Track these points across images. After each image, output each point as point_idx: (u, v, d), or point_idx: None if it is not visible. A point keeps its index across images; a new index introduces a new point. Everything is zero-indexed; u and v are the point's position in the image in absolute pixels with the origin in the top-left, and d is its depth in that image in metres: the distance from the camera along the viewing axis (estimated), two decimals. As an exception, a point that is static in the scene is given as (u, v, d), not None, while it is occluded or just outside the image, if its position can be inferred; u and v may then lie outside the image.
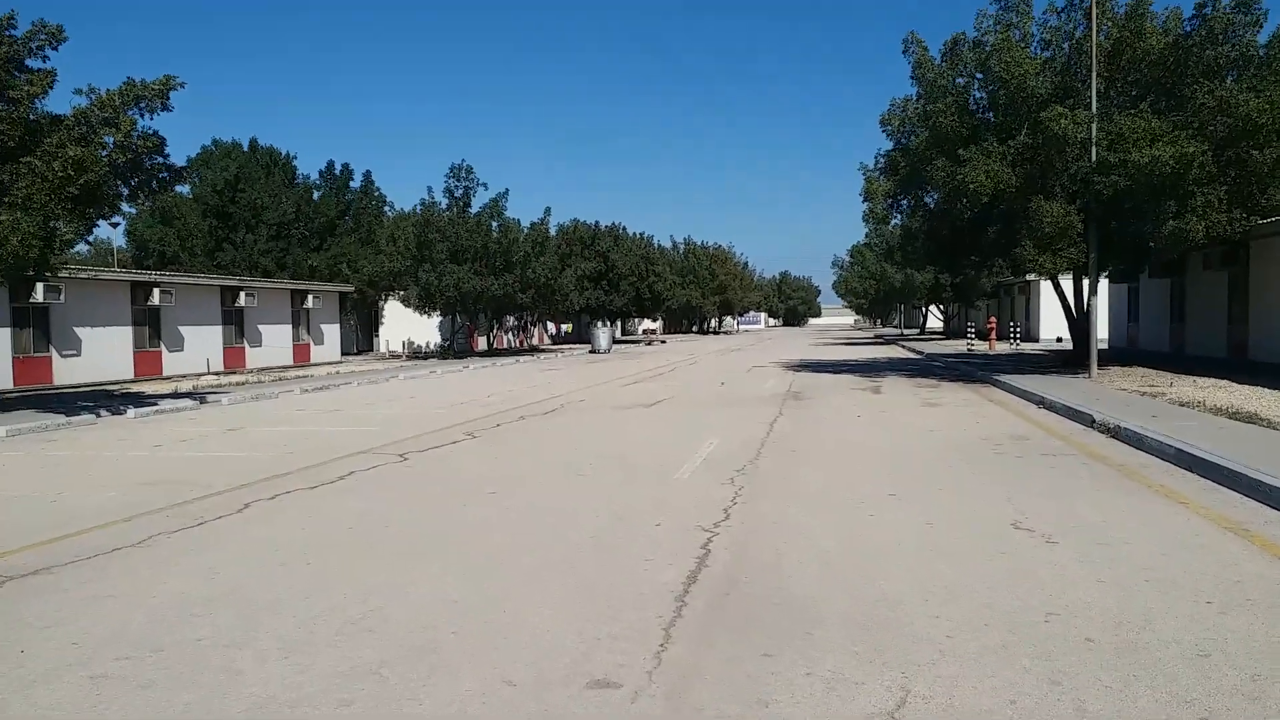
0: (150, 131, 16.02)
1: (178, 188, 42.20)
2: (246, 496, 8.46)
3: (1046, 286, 42.50)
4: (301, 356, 34.01)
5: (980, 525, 6.66)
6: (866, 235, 62.35)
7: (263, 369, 30.30)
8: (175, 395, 20.13)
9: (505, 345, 50.51)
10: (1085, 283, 22.72)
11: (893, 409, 15.33)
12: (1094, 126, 18.42)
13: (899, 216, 23.81)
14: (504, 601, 5.09)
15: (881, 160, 23.59)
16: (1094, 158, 18.44)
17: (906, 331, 72.77)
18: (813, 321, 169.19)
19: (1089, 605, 4.82)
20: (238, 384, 23.94)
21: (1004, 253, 21.18)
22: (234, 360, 30.16)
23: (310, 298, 33.59)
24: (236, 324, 30.55)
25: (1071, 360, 22.69)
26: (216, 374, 27.97)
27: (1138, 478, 8.46)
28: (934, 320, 67.59)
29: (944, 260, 24.59)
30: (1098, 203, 18.75)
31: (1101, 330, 36.33)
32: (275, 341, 32.27)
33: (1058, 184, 19.64)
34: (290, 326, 33.39)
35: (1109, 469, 9.00)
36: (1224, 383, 16.59)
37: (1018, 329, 35.94)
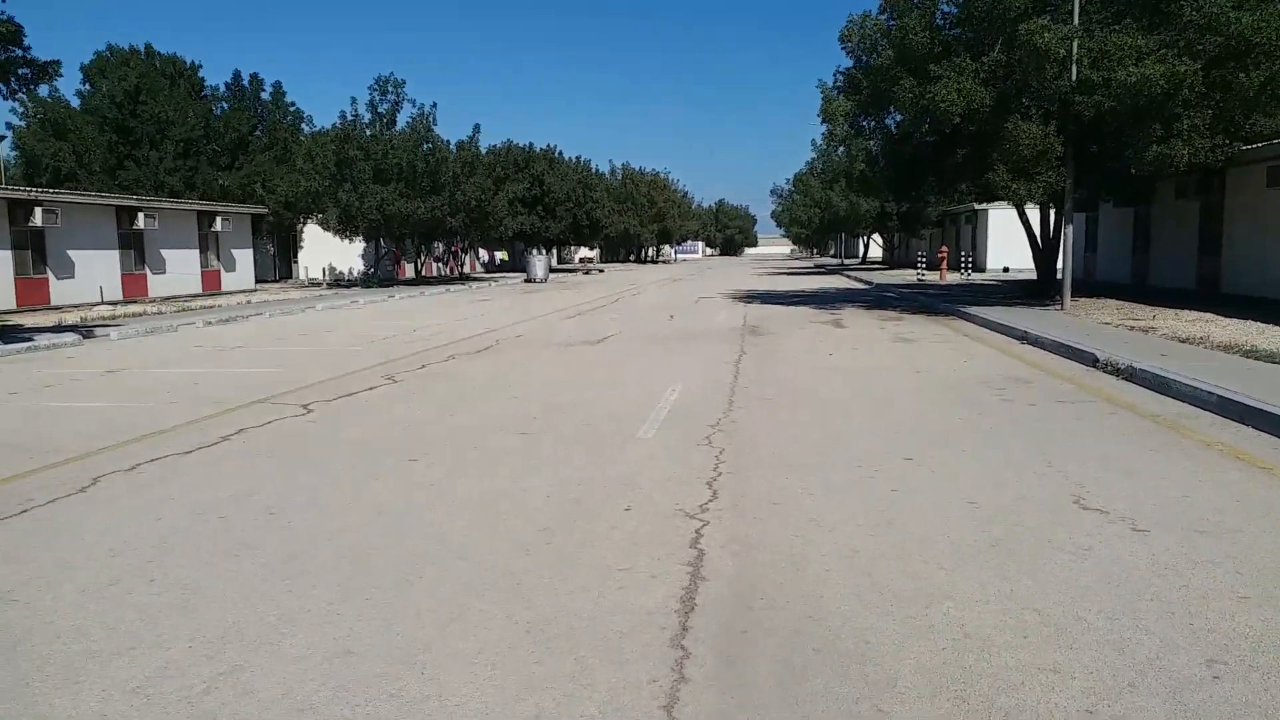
0: (3, 16, 13.48)
1: (61, 91, 38.48)
2: (99, 466, 6.66)
3: (995, 216, 41.83)
4: (211, 284, 31.37)
5: (1036, 504, 5.27)
6: (810, 162, 60.85)
7: (167, 298, 27.74)
8: (57, 329, 17.79)
9: (435, 273, 48.07)
10: (1053, 212, 21.64)
11: (864, 346, 13.97)
12: (1075, 43, 17.00)
13: (864, 139, 22.15)
14: (418, 657, 3.49)
15: (841, 79, 21.93)
16: (1075, 76, 17.06)
17: (847, 262, 71.98)
18: (749, 251, 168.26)
19: (1259, 642, 3.43)
20: (134, 315, 21.57)
21: (973, 177, 19.85)
22: (134, 289, 27.49)
23: (219, 220, 30.82)
24: (136, 248, 27.78)
25: (1036, 290, 21.68)
26: (113, 304, 25.38)
27: (1186, 433, 7.18)
28: (875, 250, 66.86)
29: (904, 186, 23.18)
30: (1077, 125, 17.44)
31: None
32: (181, 268, 29.56)
33: (1034, 105, 18.26)
34: (198, 251, 30.66)
35: (1144, 421, 7.72)
36: (1209, 316, 15.62)
37: (969, 259, 34.99)
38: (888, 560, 4.40)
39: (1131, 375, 9.86)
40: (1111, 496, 5.38)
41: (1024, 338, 13.99)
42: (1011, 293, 23.93)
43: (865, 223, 51.28)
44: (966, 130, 19.08)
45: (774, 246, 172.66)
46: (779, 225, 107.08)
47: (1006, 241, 40.89)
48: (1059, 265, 22.74)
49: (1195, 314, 16.09)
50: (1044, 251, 21.80)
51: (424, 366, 12.28)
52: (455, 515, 5.32)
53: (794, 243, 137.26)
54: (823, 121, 20.65)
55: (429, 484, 6.06)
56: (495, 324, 19.01)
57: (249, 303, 26.14)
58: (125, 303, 26.06)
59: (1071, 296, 19.07)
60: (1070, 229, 18.16)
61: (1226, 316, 15.42)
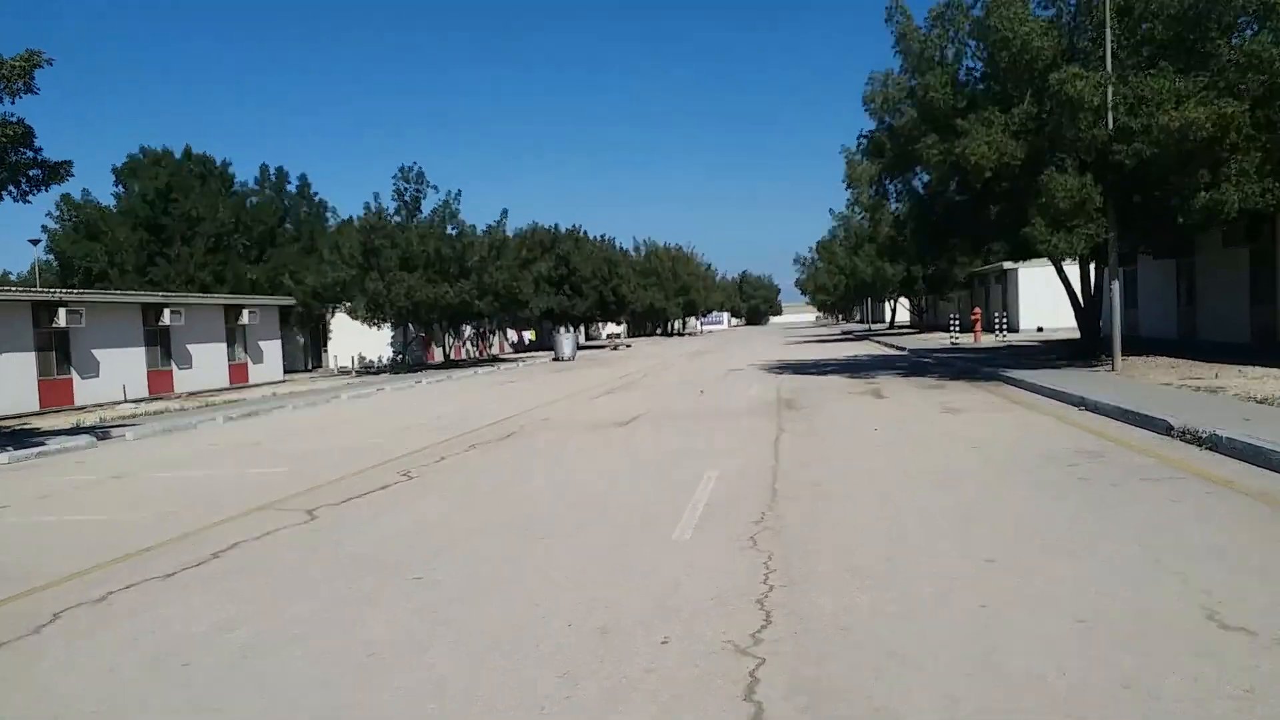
0: (12, 118, 13.33)
1: (93, 193, 39.05)
2: (65, 597, 5.92)
3: (1026, 274, 40.94)
4: (239, 377, 31.11)
5: (1162, 622, 4.35)
6: (833, 229, 60.56)
7: (193, 393, 27.42)
8: (74, 430, 17.34)
9: (464, 356, 47.80)
10: (1093, 267, 20.77)
11: (909, 418, 13.07)
12: (1109, 90, 16.39)
13: (891, 202, 21.53)
14: None
15: (864, 142, 21.46)
16: (1110, 124, 16.40)
17: (874, 327, 71.04)
18: (774, 320, 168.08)
19: None
20: (155, 413, 21.15)
21: (1008, 234, 19.07)
22: (159, 385, 27.23)
23: (246, 313, 30.70)
24: (161, 344, 27.61)
25: (1081, 351, 20.67)
26: (136, 401, 25.06)
27: (1305, 516, 6.23)
28: (901, 314, 65.96)
29: (933, 247, 22.47)
30: (1117, 175, 16.71)
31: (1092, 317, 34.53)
32: (207, 362, 29.34)
33: (1068, 156, 17.57)
34: (225, 345, 30.48)
35: (1251, 501, 6.76)
36: (1273, 371, 14.58)
37: (1004, 320, 34.03)
38: (997, 716, 3.50)
39: (1216, 444, 8.89)
40: (1252, 608, 4.45)
41: (1081, 404, 13.01)
42: (1054, 354, 22.92)
43: (892, 287, 50.55)
44: (998, 186, 18.42)
45: (798, 314, 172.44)
46: (803, 293, 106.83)
47: (1039, 301, 39.97)
48: (1103, 323, 21.86)
49: (1260, 370, 15.04)
50: (1086, 309, 20.85)
51: (442, 459, 11.54)
52: (459, 654, 4.49)
53: (818, 310, 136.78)
54: (848, 186, 20.06)
55: (432, 611, 5.25)
56: (521, 406, 18.32)
57: (274, 395, 25.73)
58: (150, 400, 25.75)
59: (1110, 356, 18.13)
60: (1116, 284, 17.26)
61: (1298, 371, 14.40)
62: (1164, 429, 10.07)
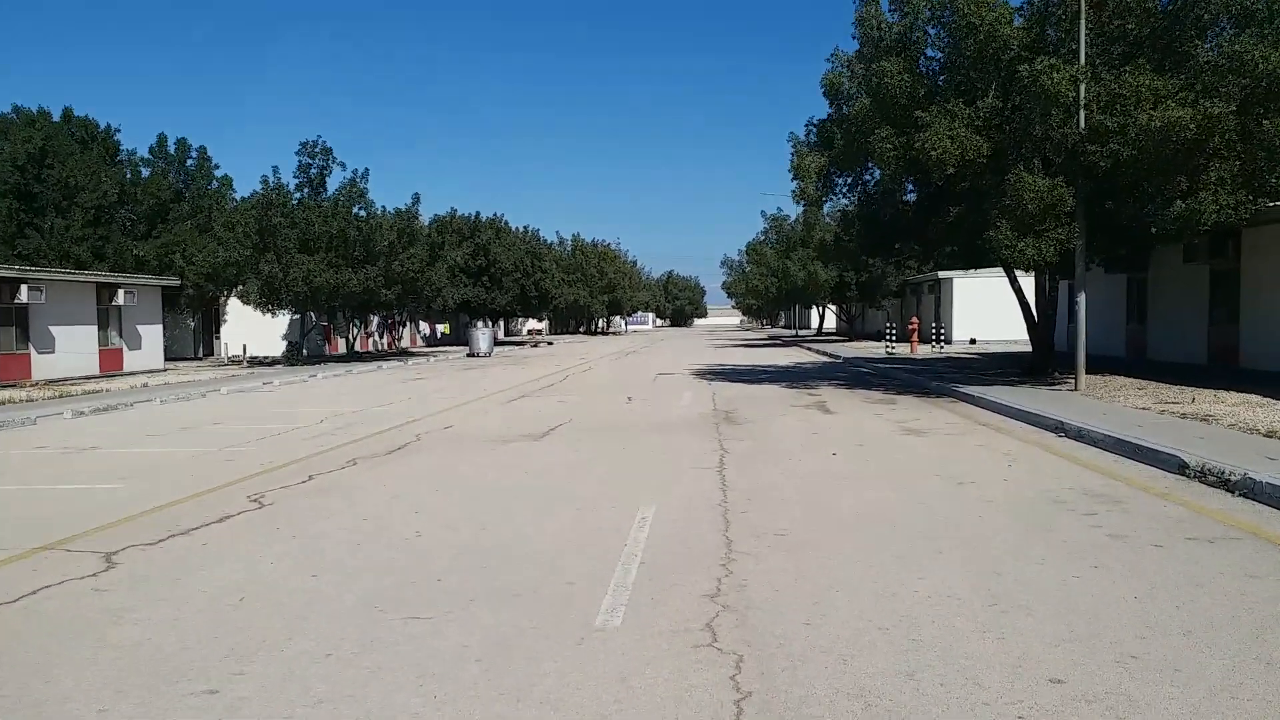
0: None
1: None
2: None
3: (960, 285, 40.15)
4: (111, 364, 27.91)
5: None
6: (764, 231, 59.38)
7: (52, 381, 24.29)
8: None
9: (370, 348, 44.93)
10: (1046, 278, 19.55)
11: (868, 439, 11.38)
12: (1083, 86, 15.07)
13: (839, 197, 19.96)
14: None
15: (812, 130, 19.85)
16: (1083, 123, 15.09)
17: (801, 333, 70.31)
18: (699, 322, 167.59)
19: None
20: (-7, 404, 18.20)
21: (965, 239, 17.64)
22: (13, 370, 24.00)
23: (121, 293, 27.55)
24: (19, 324, 24.36)
25: (1034, 367, 19.42)
26: (-17, 388, 21.90)
27: None
28: (829, 321, 65.28)
29: (882, 249, 21.01)
30: (1088, 178, 15.40)
31: (1018, 329, 33.41)
32: (73, 346, 26.12)
33: (1036, 156, 16.23)
34: (95, 328, 27.26)
35: (1359, 582, 5.15)
36: (1255, 398, 13.38)
37: (943, 331, 33.04)
38: None
39: (1251, 490, 7.35)
40: None
41: (1060, 429, 11.51)
42: (1002, 369, 21.72)
43: (824, 292, 49.51)
44: (958, 186, 16.97)
45: (724, 317, 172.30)
46: (730, 296, 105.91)
47: (973, 312, 39.27)
48: (1056, 338, 20.73)
49: (1236, 395, 13.85)
50: (1040, 323, 19.62)
51: (310, 479, 9.34)
52: None
53: (744, 313, 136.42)
54: (794, 178, 18.38)
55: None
56: (422, 410, 16.11)
57: (145, 386, 22.87)
58: (1, 386, 22.59)
59: (1063, 373, 16.92)
60: (1082, 297, 15.96)
61: (1268, 396, 13.25)
62: (1176, 467, 8.53)
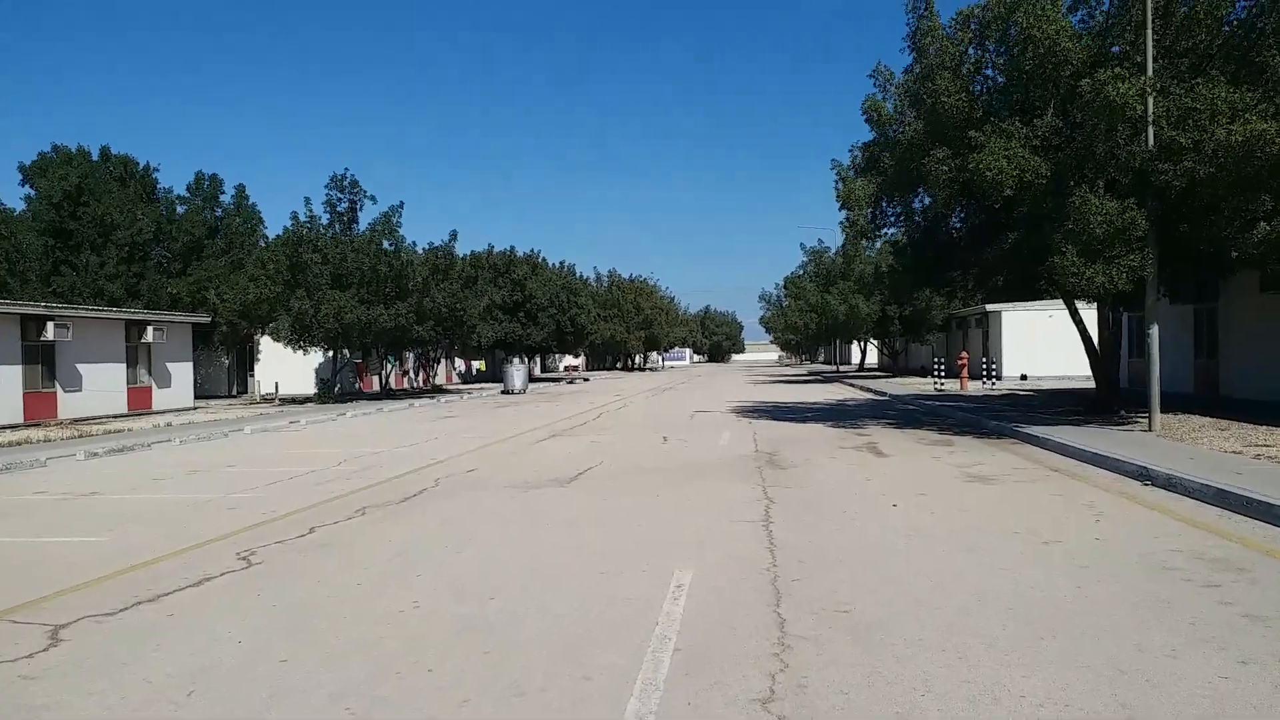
0: None
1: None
2: None
3: (1010, 318, 38.72)
4: (140, 403, 27.52)
5: None
6: (803, 265, 58.30)
7: (78, 420, 23.87)
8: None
9: (406, 385, 44.39)
10: (1109, 311, 18.27)
11: (929, 488, 10.24)
12: (1151, 100, 13.97)
13: (887, 228, 18.89)
14: None
15: (858, 155, 18.88)
16: (1150, 140, 13.96)
17: (842, 369, 68.81)
18: (737, 358, 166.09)
19: None
20: (9, 444, 17.66)
21: (1026, 266, 16.49)
22: (39, 409, 23.62)
23: (150, 330, 27.19)
24: (45, 362, 24.02)
25: (1099, 405, 18.09)
26: (10, 428, 21.48)
27: None
28: (871, 356, 63.78)
29: (935, 279, 19.88)
30: (1159, 200, 14.24)
31: (1082, 365, 31.48)
32: (101, 384, 25.74)
33: (1100, 177, 15.10)
34: (124, 366, 26.89)
35: None
36: (1360, 440, 12.04)
37: (994, 366, 31.64)
38: None
39: None
40: None
41: (1144, 476, 10.28)
42: (1063, 406, 20.38)
43: (865, 327, 48.20)
44: (1015, 211, 15.90)
45: (762, 353, 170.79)
46: (768, 331, 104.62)
47: (1023, 346, 37.80)
48: (1119, 374, 19.44)
49: (1340, 435, 12.50)
50: (1104, 357, 18.32)
51: (311, 531, 8.45)
52: None
53: (782, 349, 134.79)
54: (841, 207, 17.34)
55: None
56: (447, 451, 15.23)
57: (169, 425, 22.32)
58: (24, 426, 22.19)
59: (1135, 410, 15.57)
60: (1155, 329, 14.72)
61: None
62: (1301, 524, 7.33)
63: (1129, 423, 15.87)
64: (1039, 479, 10.80)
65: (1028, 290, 18.60)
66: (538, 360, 65.92)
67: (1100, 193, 14.54)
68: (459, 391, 40.92)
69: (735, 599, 5.77)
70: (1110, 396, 18.10)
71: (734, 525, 8.22)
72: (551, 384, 51.07)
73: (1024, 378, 36.72)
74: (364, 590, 6.31)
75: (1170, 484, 9.66)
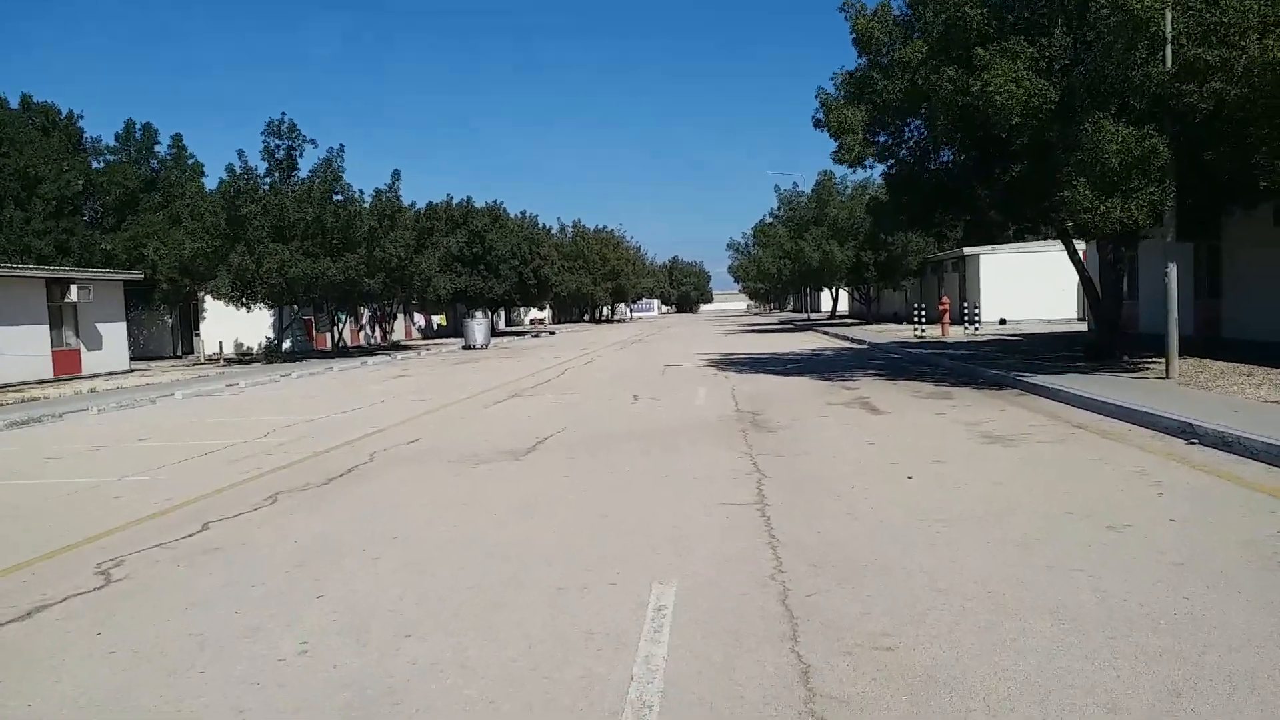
0: None
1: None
2: None
3: (988, 261, 37.51)
4: (67, 367, 25.47)
5: None
6: (775, 211, 56.66)
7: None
8: None
9: (362, 342, 42.44)
10: (1107, 248, 16.91)
11: (944, 453, 8.82)
12: (1169, 14, 12.42)
13: (877, 160, 17.25)
14: None
15: (846, 83, 17.18)
16: (1169, 60, 12.43)
17: (813, 316, 67.69)
18: (705, 308, 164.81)
19: None
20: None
21: (1026, 203, 15.03)
22: (-50, 377, 21.58)
23: (75, 289, 25.06)
24: (-46, 326, 21.96)
25: (1100, 350, 16.83)
26: (-91, 399, 19.47)
27: None
28: (842, 304, 62.61)
29: (925, 218, 18.37)
30: (1180, 125, 12.78)
31: (1070, 307, 30.39)
32: (19, 348, 23.63)
33: (1113, 102, 13.59)
34: (47, 328, 24.80)
35: None
36: None
37: (976, 312, 30.42)
38: None
39: None
40: None
41: (1188, 433, 8.94)
42: (1058, 351, 19.13)
43: (840, 273, 46.83)
44: (1017, 141, 14.38)
45: (730, 302, 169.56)
46: (737, 280, 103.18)
47: (1001, 290, 36.66)
48: (1124, 315, 18.17)
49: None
50: (1108, 300, 17.01)
51: (204, 528, 6.85)
52: None
53: (751, 298, 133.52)
54: (833, 135, 15.73)
55: None
56: (392, 417, 13.61)
57: (93, 391, 20.43)
58: (-69, 396, 20.16)
59: (1141, 354, 14.34)
60: (1174, 268, 13.42)
61: None
62: None
63: (1139, 369, 14.62)
64: (1065, 438, 9.43)
65: (1028, 229, 17.14)
66: (501, 314, 64.02)
67: (1114, 119, 13.05)
68: (418, 348, 39.09)
69: (736, 630, 4.29)
70: (1111, 341, 16.82)
71: (722, 510, 6.73)
72: (516, 338, 49.32)
73: (1003, 322, 35.63)
74: (240, 623, 4.74)
75: (1225, 443, 8.30)
